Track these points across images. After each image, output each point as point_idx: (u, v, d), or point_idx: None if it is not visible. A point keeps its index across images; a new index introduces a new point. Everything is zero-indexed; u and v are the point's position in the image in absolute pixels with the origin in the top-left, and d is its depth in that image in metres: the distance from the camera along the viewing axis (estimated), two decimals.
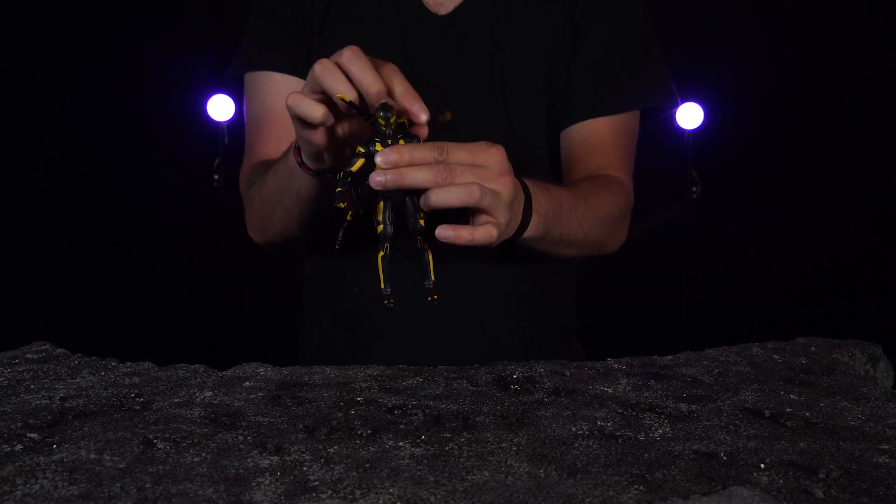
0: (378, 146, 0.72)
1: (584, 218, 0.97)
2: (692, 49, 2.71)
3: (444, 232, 0.73)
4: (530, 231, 0.87)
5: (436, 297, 0.76)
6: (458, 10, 1.08)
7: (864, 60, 2.86)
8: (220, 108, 2.83)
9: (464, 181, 0.72)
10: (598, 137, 1.09)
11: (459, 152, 0.73)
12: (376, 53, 1.06)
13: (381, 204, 0.74)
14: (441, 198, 0.72)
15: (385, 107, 0.72)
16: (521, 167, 1.11)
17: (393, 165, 0.71)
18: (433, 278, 0.76)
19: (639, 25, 1.11)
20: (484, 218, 0.75)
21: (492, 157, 0.75)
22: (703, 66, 2.79)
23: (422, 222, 0.75)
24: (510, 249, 1.10)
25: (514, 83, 1.08)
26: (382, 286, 0.75)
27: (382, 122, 0.72)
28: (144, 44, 2.91)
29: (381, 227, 0.75)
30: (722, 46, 2.89)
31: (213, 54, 2.99)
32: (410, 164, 0.71)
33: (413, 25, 1.07)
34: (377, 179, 0.71)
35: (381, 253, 0.75)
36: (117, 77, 2.88)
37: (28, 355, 0.86)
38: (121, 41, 2.90)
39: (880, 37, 2.84)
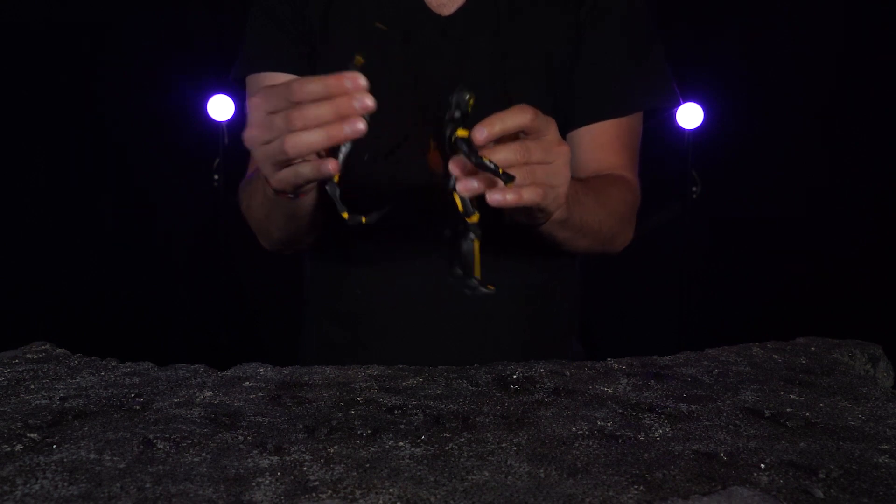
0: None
1: (597, 208, 0.97)
2: (692, 49, 2.71)
3: (494, 196, 0.72)
4: (557, 213, 0.86)
5: (490, 286, 0.75)
6: (460, 11, 1.08)
7: (864, 60, 2.86)
8: (220, 108, 2.83)
9: (541, 178, 0.74)
10: (604, 140, 1.09)
11: (538, 151, 0.74)
12: (378, 54, 1.07)
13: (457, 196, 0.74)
14: (512, 198, 0.72)
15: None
16: None
17: (487, 141, 0.70)
18: (478, 275, 0.75)
19: (642, 26, 1.11)
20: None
21: (550, 124, 0.76)
22: (703, 66, 2.79)
23: (475, 216, 0.75)
24: (512, 249, 1.10)
25: (517, 84, 1.08)
26: (478, 275, 0.75)
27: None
28: (144, 44, 2.92)
29: (475, 215, 0.75)
30: (722, 46, 2.89)
31: (213, 54, 2.99)
32: (501, 136, 0.71)
33: (415, 26, 1.07)
34: (460, 188, 0.71)
35: (476, 241, 0.75)
36: (117, 77, 2.89)
37: (28, 355, 0.86)
38: (121, 41, 2.91)
39: (880, 37, 2.84)
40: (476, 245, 0.75)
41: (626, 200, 1.05)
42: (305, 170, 0.74)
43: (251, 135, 0.75)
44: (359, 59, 0.74)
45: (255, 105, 0.75)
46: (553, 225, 0.89)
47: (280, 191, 0.81)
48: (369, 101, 0.70)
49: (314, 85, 0.70)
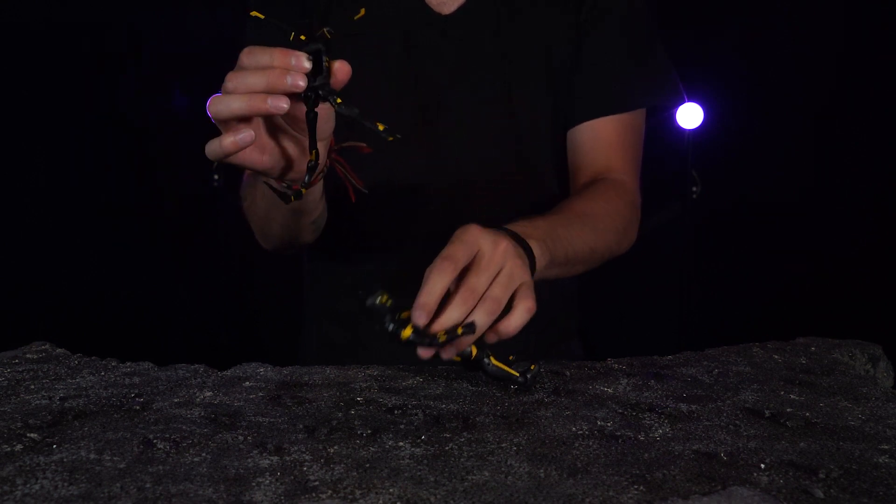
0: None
1: (584, 233, 0.96)
2: (692, 49, 2.71)
3: (493, 337, 0.75)
4: (539, 262, 0.86)
5: (532, 365, 0.76)
6: (461, 9, 1.08)
7: (864, 61, 2.85)
8: None
9: (503, 296, 0.74)
10: (605, 137, 1.08)
11: (460, 252, 0.73)
12: (378, 53, 1.07)
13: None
14: (504, 333, 0.74)
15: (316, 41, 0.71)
16: (526, 167, 1.11)
17: (429, 318, 0.71)
18: (516, 373, 0.76)
19: (643, 24, 1.11)
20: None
21: (479, 238, 0.75)
22: (704, 66, 2.78)
23: (474, 350, 0.75)
24: None
25: (517, 83, 1.08)
26: (516, 373, 0.76)
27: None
28: (144, 44, 2.92)
29: (474, 349, 0.76)
30: (722, 46, 2.88)
31: (213, 54, 2.99)
32: (437, 304, 0.71)
33: (416, 25, 1.07)
34: (424, 354, 0.72)
35: (492, 359, 0.76)
36: (117, 77, 2.88)
37: (28, 355, 0.86)
38: (120, 41, 2.90)
39: (881, 37, 2.84)
40: (493, 360, 0.76)
41: (618, 213, 1.04)
42: (226, 141, 0.74)
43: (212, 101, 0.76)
44: (361, 11, 0.74)
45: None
46: (540, 272, 0.89)
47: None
48: (301, 82, 0.69)
49: (262, 55, 0.70)
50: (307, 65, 0.70)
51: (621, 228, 1.05)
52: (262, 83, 0.70)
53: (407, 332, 0.70)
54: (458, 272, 0.73)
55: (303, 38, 0.71)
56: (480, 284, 0.73)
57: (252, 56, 0.71)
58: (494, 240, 0.76)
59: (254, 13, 0.74)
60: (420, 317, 0.71)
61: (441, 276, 0.72)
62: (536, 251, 0.85)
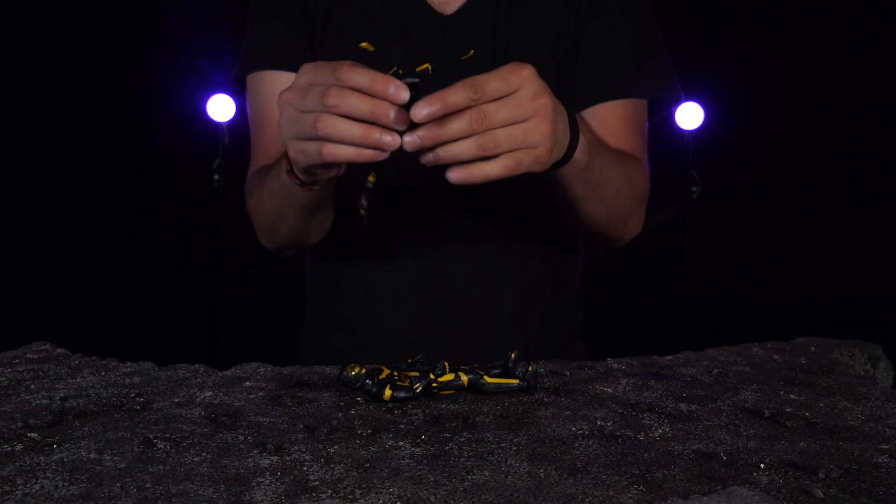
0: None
1: (617, 169, 0.95)
2: (692, 49, 2.71)
3: (457, 175, 0.70)
4: (578, 153, 0.83)
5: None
6: (462, 8, 1.08)
7: (863, 61, 2.86)
8: (220, 108, 2.83)
9: (501, 119, 0.69)
10: (613, 123, 1.07)
11: (491, 83, 0.70)
12: (379, 52, 1.06)
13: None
14: (482, 173, 0.70)
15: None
16: None
17: (428, 118, 0.67)
18: None
19: (644, 22, 1.11)
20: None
21: (524, 79, 0.72)
22: (704, 66, 2.79)
23: (464, 378, 0.73)
24: (515, 253, 1.10)
25: None
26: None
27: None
28: (144, 44, 2.92)
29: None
30: (722, 46, 2.89)
31: (213, 54, 2.99)
32: (445, 112, 0.68)
33: (417, 24, 1.07)
34: (407, 141, 0.68)
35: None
36: (117, 77, 2.88)
37: (28, 355, 0.86)
38: (120, 41, 2.91)
39: (881, 37, 2.84)
40: (488, 379, 0.74)
41: (642, 180, 1.04)
42: (343, 151, 0.71)
43: (287, 97, 0.74)
44: (367, 46, 0.73)
45: (305, 71, 0.73)
46: (571, 173, 0.86)
47: (294, 165, 0.79)
48: (401, 127, 0.69)
49: (361, 75, 0.69)
50: (405, 96, 0.68)
51: (640, 198, 1.05)
52: (367, 109, 0.68)
53: (387, 394, 0.70)
54: (481, 100, 0.69)
55: (400, 71, 0.70)
56: (495, 117, 0.69)
57: (352, 72, 0.68)
58: (538, 91, 0.72)
59: (364, 44, 0.73)
60: (421, 108, 0.67)
61: (458, 90, 0.68)
62: (582, 140, 0.82)
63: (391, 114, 0.68)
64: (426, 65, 0.72)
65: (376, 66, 0.71)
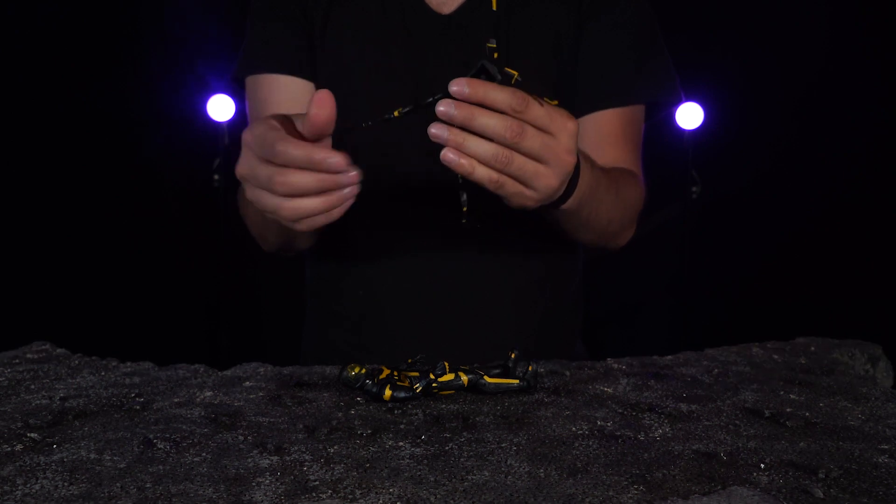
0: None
1: (614, 203, 0.96)
2: (692, 49, 2.71)
3: (451, 157, 0.69)
4: (569, 203, 0.83)
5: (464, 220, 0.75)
6: (461, 8, 1.08)
7: (863, 61, 2.86)
8: (220, 108, 2.83)
9: (529, 147, 0.69)
10: (608, 131, 1.08)
11: (538, 110, 0.69)
12: (378, 53, 1.07)
13: None
14: (468, 170, 0.69)
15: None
16: None
17: (465, 98, 0.66)
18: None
19: (644, 22, 1.11)
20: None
21: (566, 131, 0.71)
22: (704, 66, 2.78)
23: (464, 379, 0.74)
24: (515, 253, 1.10)
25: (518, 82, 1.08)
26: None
27: None
28: (144, 44, 2.92)
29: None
30: (722, 46, 2.89)
31: (213, 54, 2.99)
32: (483, 103, 0.67)
33: (416, 24, 1.07)
34: (441, 110, 0.66)
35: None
36: (117, 77, 2.88)
37: (28, 355, 0.86)
38: (120, 41, 2.91)
39: (881, 37, 2.84)
40: (488, 379, 0.74)
41: (636, 198, 1.05)
42: (317, 221, 0.71)
43: (240, 172, 0.73)
44: (397, 112, 0.73)
45: (246, 142, 0.72)
46: (557, 214, 0.87)
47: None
48: (355, 187, 0.68)
49: (297, 151, 0.67)
50: (343, 168, 0.67)
51: (632, 217, 1.07)
52: (315, 187, 0.68)
53: (387, 394, 0.70)
54: (520, 116, 0.68)
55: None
56: (527, 141, 0.68)
57: (287, 153, 0.67)
58: (571, 149, 0.72)
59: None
60: (460, 83, 0.66)
61: (507, 93, 0.67)
62: (576, 192, 0.82)
63: (344, 192, 0.68)
64: (516, 73, 0.71)
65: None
